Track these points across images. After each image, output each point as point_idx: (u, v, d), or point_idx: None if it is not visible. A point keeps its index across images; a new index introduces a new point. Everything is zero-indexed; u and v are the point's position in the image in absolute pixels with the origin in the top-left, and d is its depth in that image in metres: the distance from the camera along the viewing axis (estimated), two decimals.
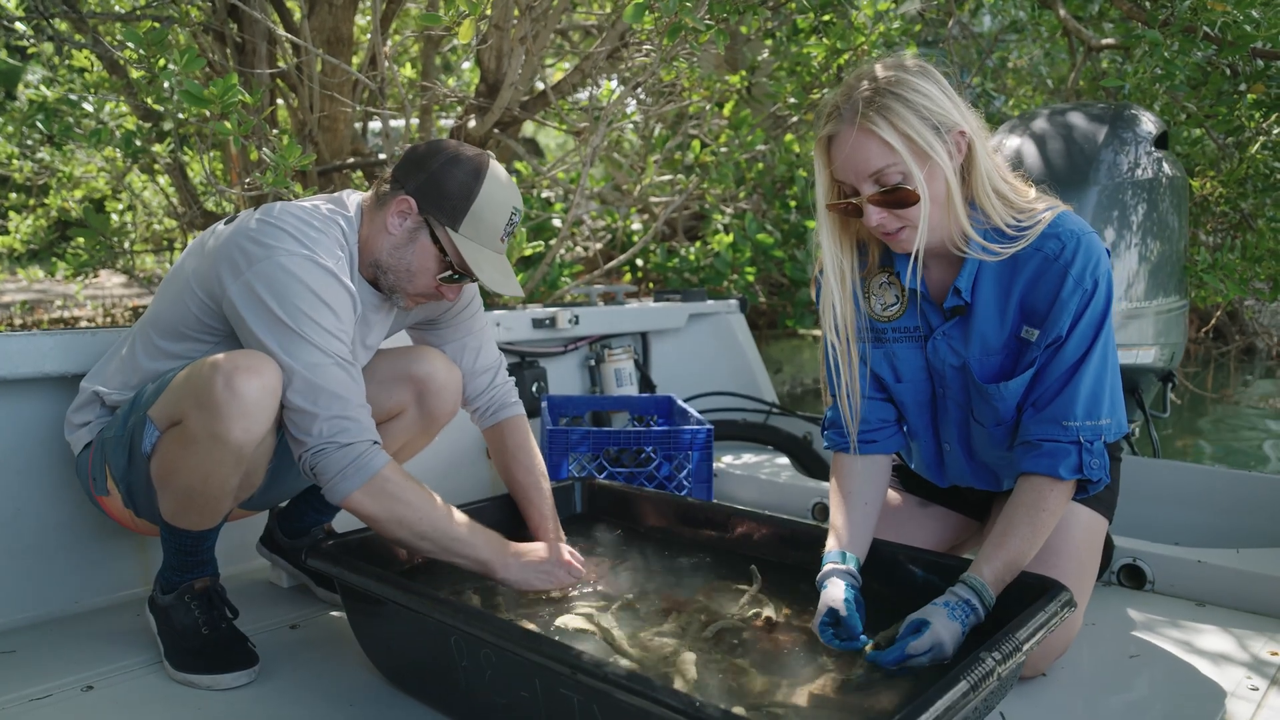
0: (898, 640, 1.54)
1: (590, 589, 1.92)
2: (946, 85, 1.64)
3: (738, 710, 1.41)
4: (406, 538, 1.77)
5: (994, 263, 1.70)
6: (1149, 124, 2.83)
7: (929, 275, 1.79)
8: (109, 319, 6.91)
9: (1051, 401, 1.70)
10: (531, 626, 1.71)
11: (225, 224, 1.87)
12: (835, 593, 1.66)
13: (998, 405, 1.77)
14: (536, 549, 1.91)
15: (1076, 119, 2.86)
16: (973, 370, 1.77)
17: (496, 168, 1.89)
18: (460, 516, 1.83)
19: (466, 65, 6.94)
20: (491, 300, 3.70)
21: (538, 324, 3.28)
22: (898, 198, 1.62)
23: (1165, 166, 2.80)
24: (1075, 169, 2.72)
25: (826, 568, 1.74)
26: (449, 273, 1.90)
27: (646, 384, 3.71)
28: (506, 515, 2.11)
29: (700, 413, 3.04)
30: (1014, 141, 2.84)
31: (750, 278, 6.37)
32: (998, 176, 1.69)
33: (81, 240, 4.70)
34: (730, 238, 6.41)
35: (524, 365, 3.34)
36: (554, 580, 1.87)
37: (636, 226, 7.14)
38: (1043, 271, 1.68)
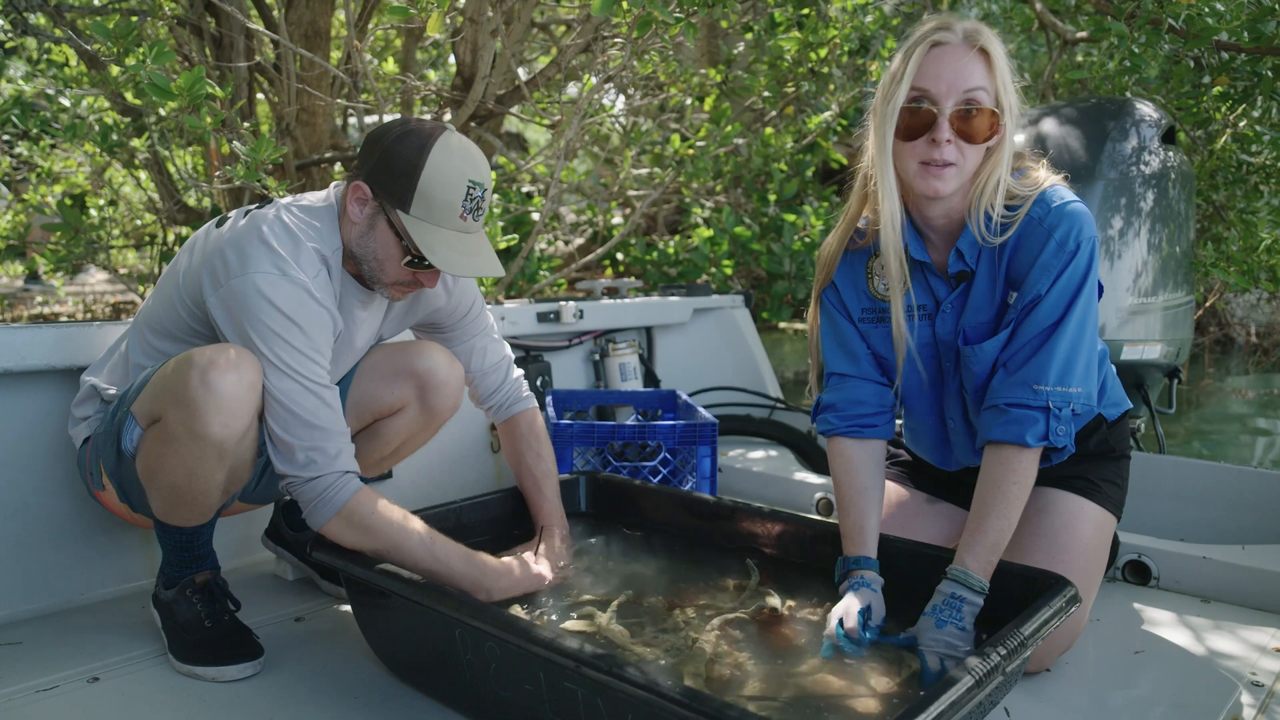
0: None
1: (592, 583, 1.92)
2: None
3: (740, 703, 1.44)
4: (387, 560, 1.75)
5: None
6: (1156, 119, 2.82)
7: (932, 249, 1.80)
8: (89, 315, 6.84)
9: (1024, 364, 1.67)
10: (536, 619, 1.74)
11: (218, 225, 1.84)
12: (851, 607, 1.65)
13: (974, 369, 1.76)
14: (510, 567, 1.84)
15: (1082, 114, 2.87)
16: (965, 335, 1.78)
17: (449, 139, 1.76)
18: (435, 544, 1.75)
19: (454, 59, 6.92)
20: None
21: (542, 318, 3.27)
22: (976, 123, 1.64)
23: (1173, 161, 2.79)
24: (1080, 164, 2.73)
25: (857, 574, 1.74)
26: (409, 258, 1.80)
27: (651, 379, 3.70)
28: (510, 509, 2.13)
29: (705, 407, 3.05)
30: (1020, 137, 2.85)
31: (729, 271, 6.40)
32: (1005, 168, 1.70)
33: (59, 235, 4.66)
34: (709, 231, 6.43)
35: (528, 359, 3.32)
36: (527, 587, 1.84)
37: (618, 220, 7.15)
38: (1026, 234, 1.69)
